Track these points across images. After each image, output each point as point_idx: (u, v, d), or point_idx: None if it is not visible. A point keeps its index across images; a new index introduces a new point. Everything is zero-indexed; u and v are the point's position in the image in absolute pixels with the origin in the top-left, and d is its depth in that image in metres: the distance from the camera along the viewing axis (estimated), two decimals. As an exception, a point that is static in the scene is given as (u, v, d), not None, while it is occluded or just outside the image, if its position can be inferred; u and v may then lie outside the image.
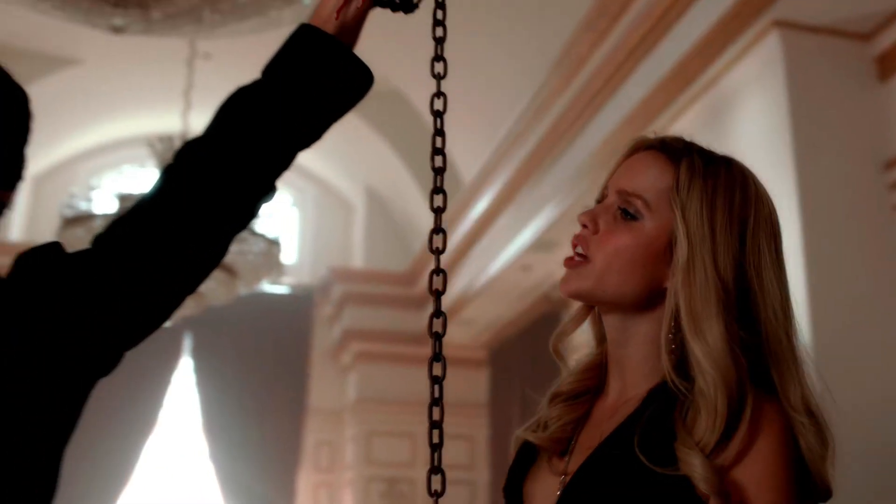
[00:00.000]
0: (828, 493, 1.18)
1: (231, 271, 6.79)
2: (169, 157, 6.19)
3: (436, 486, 1.28)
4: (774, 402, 1.17)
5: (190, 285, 1.34)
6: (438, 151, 1.42)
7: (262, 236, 6.79)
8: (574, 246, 1.27)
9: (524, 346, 7.94)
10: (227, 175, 1.31)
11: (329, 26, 1.36)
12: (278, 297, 9.62)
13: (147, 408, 9.25)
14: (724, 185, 1.22)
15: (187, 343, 9.49)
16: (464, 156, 7.95)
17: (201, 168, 1.31)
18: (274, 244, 6.88)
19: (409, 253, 9.46)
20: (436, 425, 1.31)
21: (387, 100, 8.32)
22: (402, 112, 8.31)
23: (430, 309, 1.35)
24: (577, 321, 1.35)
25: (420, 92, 7.96)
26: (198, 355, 9.55)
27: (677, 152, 1.25)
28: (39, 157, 9.36)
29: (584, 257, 1.24)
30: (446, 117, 1.44)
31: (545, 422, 1.32)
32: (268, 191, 1.36)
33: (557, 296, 7.56)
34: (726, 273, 1.18)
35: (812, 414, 1.17)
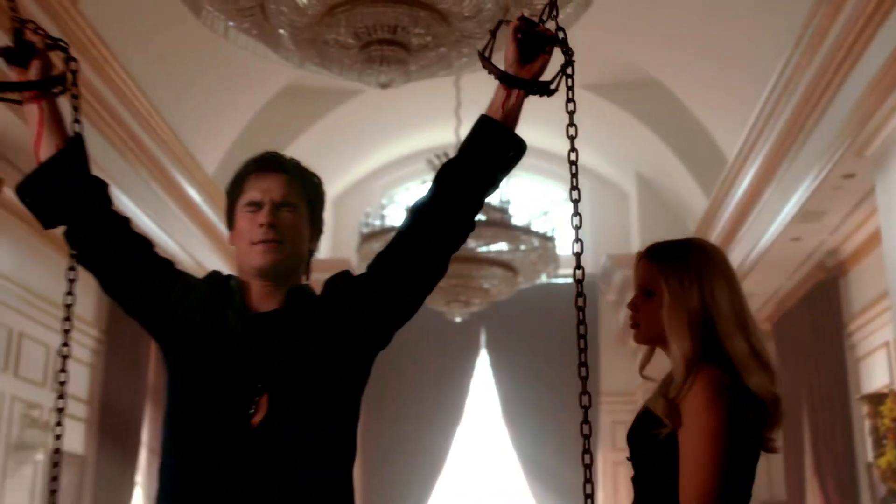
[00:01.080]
0: (778, 402, 2.03)
1: (511, 268, 7.32)
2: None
3: (585, 402, 2.15)
4: (713, 369, 2.01)
5: (427, 289, 2.13)
6: (574, 187, 2.23)
7: (536, 234, 7.25)
8: (631, 320, 2.21)
9: (804, 315, 7.99)
10: (444, 219, 2.10)
11: (497, 115, 2.10)
12: (563, 287, 10.00)
13: (454, 401, 10.01)
14: (683, 263, 2.13)
15: (483, 338, 10.18)
16: (724, 136, 8.11)
17: (426, 217, 2.11)
18: (548, 240, 7.33)
19: (683, 233, 9.59)
20: (582, 363, 2.19)
21: (646, 89, 8.59)
22: (662, 98, 8.54)
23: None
24: (648, 356, 2.28)
25: (676, 78, 8.19)
26: (492, 348, 10.21)
27: (656, 255, 2.18)
28: (338, 180, 10.36)
29: (638, 325, 2.19)
30: (706, 101, 2.03)
31: None
32: (471, 225, 2.12)
33: (833, 263, 7.59)
34: (690, 307, 2.09)
35: (758, 355, 2.04)
